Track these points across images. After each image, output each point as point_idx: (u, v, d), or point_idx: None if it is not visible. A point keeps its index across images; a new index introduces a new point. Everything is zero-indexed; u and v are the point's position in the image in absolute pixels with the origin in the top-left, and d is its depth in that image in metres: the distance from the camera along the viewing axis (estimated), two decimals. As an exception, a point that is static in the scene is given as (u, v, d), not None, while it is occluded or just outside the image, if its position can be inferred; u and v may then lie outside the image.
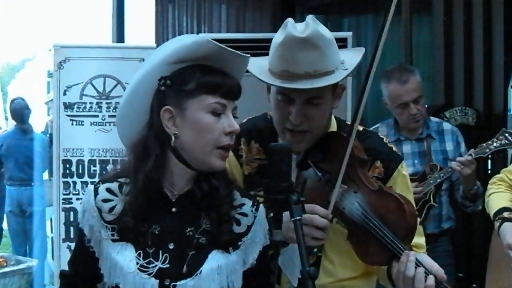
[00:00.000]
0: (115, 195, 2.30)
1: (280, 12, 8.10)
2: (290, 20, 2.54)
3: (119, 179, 2.32)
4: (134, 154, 2.27)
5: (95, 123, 6.31)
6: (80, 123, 6.28)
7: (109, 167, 6.27)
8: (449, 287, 2.37)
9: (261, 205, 2.38)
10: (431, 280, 2.35)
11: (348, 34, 6.69)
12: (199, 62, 2.23)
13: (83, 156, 6.17)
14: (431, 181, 4.30)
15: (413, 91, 4.39)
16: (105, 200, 2.29)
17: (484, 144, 4.14)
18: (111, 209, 2.28)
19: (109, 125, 6.17)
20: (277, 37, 2.56)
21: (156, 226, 2.25)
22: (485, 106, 6.19)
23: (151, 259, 2.23)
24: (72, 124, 6.20)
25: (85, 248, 2.35)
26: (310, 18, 2.56)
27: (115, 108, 6.26)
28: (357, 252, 2.53)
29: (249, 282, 2.35)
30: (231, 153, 2.65)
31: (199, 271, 2.22)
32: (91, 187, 2.34)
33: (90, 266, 2.36)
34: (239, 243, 2.31)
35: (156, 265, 2.22)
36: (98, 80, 6.37)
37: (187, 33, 7.86)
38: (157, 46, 7.63)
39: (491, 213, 3.58)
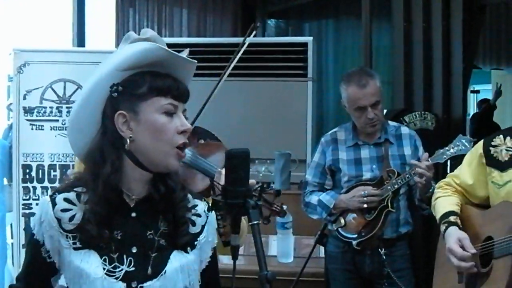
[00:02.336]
0: (74, 204, 2.31)
1: (241, 17, 8.12)
2: (132, 34, 2.61)
3: (75, 189, 2.33)
4: (91, 161, 2.30)
5: (55, 128, 6.27)
6: (40, 127, 6.24)
7: (69, 171, 6.24)
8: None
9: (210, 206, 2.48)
10: None
11: (308, 39, 6.74)
12: (149, 68, 2.28)
13: (43, 161, 6.14)
14: (389, 187, 4.31)
15: (372, 96, 4.39)
16: (64, 210, 2.30)
17: (441, 150, 4.16)
18: (71, 218, 2.29)
19: (69, 129, 6.13)
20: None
21: (118, 232, 2.29)
22: (444, 111, 6.25)
23: (116, 263, 2.27)
24: (32, 128, 6.17)
25: (41, 259, 2.35)
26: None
27: (75, 112, 6.22)
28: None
29: (202, 280, 2.44)
30: None
31: (163, 271, 2.29)
32: (46, 198, 2.34)
33: (43, 279, 2.39)
34: (195, 242, 2.40)
35: (122, 269, 2.27)
36: (58, 85, 6.33)
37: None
38: (118, 51, 7.52)
39: (437, 216, 3.60)
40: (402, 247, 4.56)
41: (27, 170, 6.08)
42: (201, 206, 2.44)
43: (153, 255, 2.30)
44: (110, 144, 2.27)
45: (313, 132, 6.61)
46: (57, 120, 6.27)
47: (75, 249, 2.28)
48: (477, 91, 15.81)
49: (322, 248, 4.86)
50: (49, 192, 6.02)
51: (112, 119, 2.26)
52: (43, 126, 6.22)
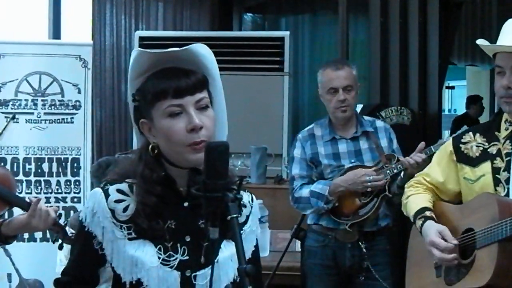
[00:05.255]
0: (127, 195, 2.33)
1: (218, 10, 8.10)
2: None
3: (127, 180, 2.36)
4: (134, 159, 2.37)
5: (30, 121, 6.24)
6: (15, 120, 6.21)
7: (45, 165, 6.21)
8: None
9: (254, 196, 2.54)
10: None
11: (285, 34, 6.76)
12: (154, 70, 2.29)
13: (18, 154, 6.10)
14: (388, 171, 4.33)
15: (345, 79, 4.43)
16: (118, 201, 2.32)
17: (441, 140, 4.24)
18: (124, 209, 2.31)
19: (45, 122, 6.11)
20: None
21: (172, 221, 2.32)
22: (420, 106, 6.29)
23: (170, 252, 2.31)
24: (7, 121, 6.12)
25: (92, 252, 2.35)
26: None
27: (50, 105, 6.20)
28: None
29: None
30: None
31: (216, 260, 2.32)
32: (98, 189, 2.35)
33: (92, 271, 2.40)
34: (241, 232, 2.38)
35: (176, 258, 2.31)
36: (34, 77, 6.30)
37: (124, 30, 7.79)
38: (94, 43, 7.50)
39: (411, 213, 3.60)
40: (382, 242, 4.58)
41: (2, 164, 6.03)
42: (246, 197, 2.48)
43: (205, 244, 2.32)
44: (145, 146, 2.33)
45: (289, 127, 6.63)
46: (32, 113, 6.23)
47: (129, 239, 2.31)
48: (452, 87, 15.91)
49: (298, 242, 4.87)
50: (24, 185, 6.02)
51: (138, 126, 2.34)
52: (18, 119, 6.18)
